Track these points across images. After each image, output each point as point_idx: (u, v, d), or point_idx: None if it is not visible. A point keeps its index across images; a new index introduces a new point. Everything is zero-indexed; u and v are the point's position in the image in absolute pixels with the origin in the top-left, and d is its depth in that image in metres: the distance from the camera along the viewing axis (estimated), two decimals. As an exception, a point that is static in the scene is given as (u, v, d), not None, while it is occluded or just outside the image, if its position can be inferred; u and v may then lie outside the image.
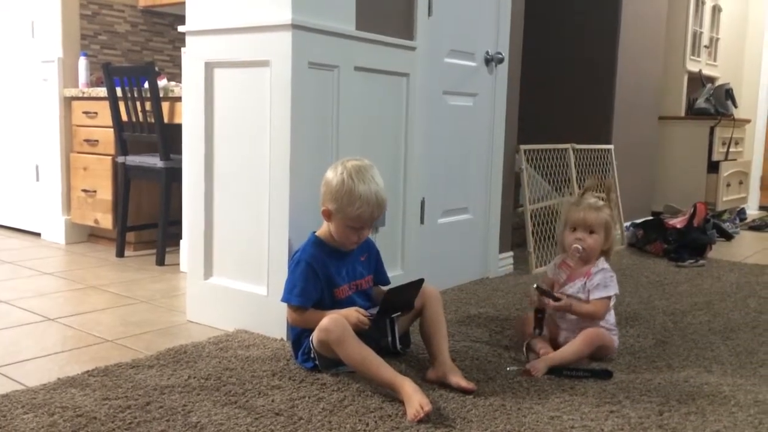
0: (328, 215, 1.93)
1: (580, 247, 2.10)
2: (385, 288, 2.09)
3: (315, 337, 1.85)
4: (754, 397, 1.83)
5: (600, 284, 2.08)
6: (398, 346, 1.99)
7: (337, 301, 1.95)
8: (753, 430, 1.63)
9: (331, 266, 1.95)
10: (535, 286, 2.04)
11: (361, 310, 1.85)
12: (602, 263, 2.13)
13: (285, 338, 2.18)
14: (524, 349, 2.07)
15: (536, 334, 2.06)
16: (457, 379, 1.79)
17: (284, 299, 1.95)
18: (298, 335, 1.97)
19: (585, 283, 2.08)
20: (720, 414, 1.71)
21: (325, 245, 1.97)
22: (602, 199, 2.17)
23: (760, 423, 1.66)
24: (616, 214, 2.20)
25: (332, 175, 1.92)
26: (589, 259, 2.13)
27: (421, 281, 1.96)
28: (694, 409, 1.74)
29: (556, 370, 1.95)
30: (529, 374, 1.92)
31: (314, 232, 2.01)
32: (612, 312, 2.14)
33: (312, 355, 1.89)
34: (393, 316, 1.95)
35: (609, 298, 2.09)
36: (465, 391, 1.77)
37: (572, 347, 2.00)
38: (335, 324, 1.79)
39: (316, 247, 1.96)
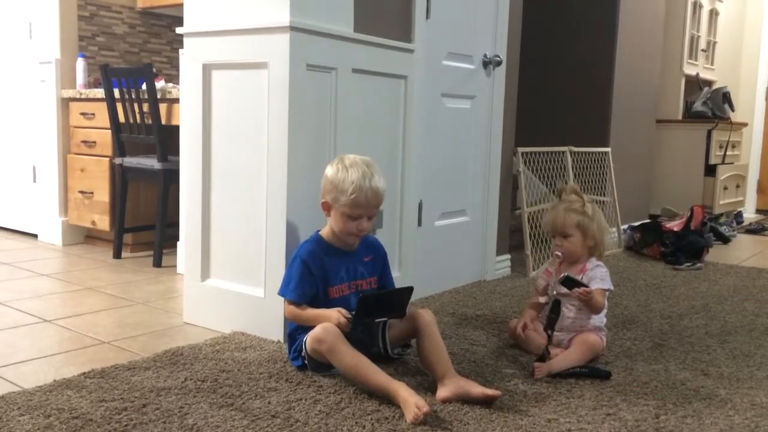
0: (327, 208, 1.96)
1: (559, 254, 2.14)
2: None
3: (308, 344, 1.86)
4: (750, 400, 1.83)
5: (598, 278, 2.09)
6: (390, 352, 1.98)
7: (331, 300, 1.95)
8: (749, 433, 1.63)
9: (329, 265, 1.96)
10: (565, 275, 2.00)
11: (343, 311, 1.84)
12: (596, 261, 2.15)
13: (282, 340, 2.18)
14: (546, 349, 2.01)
15: (549, 335, 2.02)
16: (481, 389, 1.73)
17: (280, 292, 1.99)
18: (294, 331, 1.98)
19: (581, 278, 2.08)
20: (716, 417, 1.71)
21: (325, 243, 1.99)
22: (579, 197, 2.17)
23: (757, 426, 1.66)
24: (596, 212, 2.17)
25: (329, 169, 1.97)
26: (573, 260, 2.15)
27: (410, 289, 1.91)
28: (691, 412, 1.74)
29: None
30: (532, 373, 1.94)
31: (319, 230, 2.03)
32: (604, 310, 2.14)
33: (303, 355, 1.90)
34: (379, 320, 1.92)
35: (606, 291, 2.10)
36: (491, 399, 1.72)
37: (570, 357, 2.00)
38: (327, 333, 1.79)
39: (315, 244, 1.98)
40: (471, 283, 3.14)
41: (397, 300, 1.90)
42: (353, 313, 1.83)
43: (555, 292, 2.08)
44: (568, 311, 2.09)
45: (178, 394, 1.74)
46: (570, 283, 1.99)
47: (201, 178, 2.38)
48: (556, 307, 2.03)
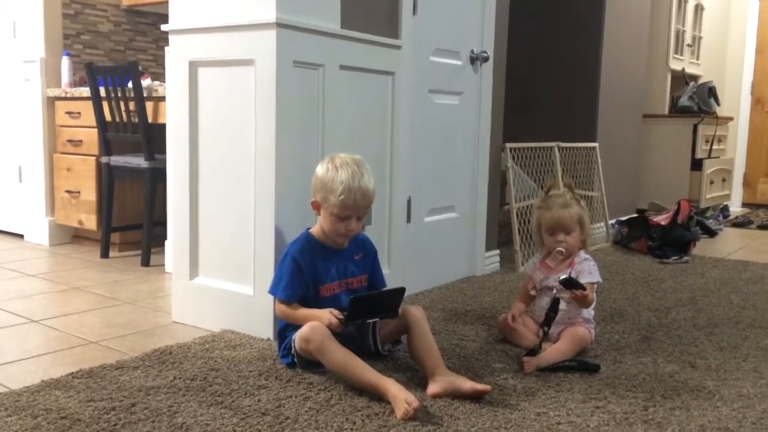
0: (317, 207, 1.96)
1: (563, 250, 2.15)
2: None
3: (296, 343, 1.86)
4: (737, 391, 1.85)
5: (586, 271, 2.13)
6: (381, 348, 1.98)
7: (321, 298, 1.95)
8: (737, 424, 1.64)
9: (319, 263, 1.96)
10: (561, 277, 2.00)
11: (335, 312, 1.83)
12: (583, 254, 2.20)
13: (271, 338, 2.17)
14: (539, 344, 2.02)
15: (545, 331, 2.02)
16: (471, 384, 1.73)
17: (270, 291, 1.99)
18: (283, 329, 1.98)
19: (570, 272, 2.09)
20: (704, 408, 1.72)
21: (315, 241, 1.98)
22: (570, 192, 2.23)
23: (744, 417, 1.68)
24: (586, 207, 2.28)
25: (319, 168, 1.96)
26: (570, 255, 2.19)
27: (402, 290, 1.90)
28: (679, 403, 1.75)
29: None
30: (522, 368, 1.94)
31: (309, 228, 2.02)
32: (593, 303, 2.16)
33: (292, 352, 1.90)
34: (370, 321, 1.92)
35: (595, 284, 2.14)
36: (481, 394, 1.72)
37: (559, 351, 2.01)
38: (315, 332, 1.78)
39: (305, 242, 1.98)
40: (460, 278, 3.15)
41: (388, 301, 1.89)
42: (345, 313, 1.83)
43: (554, 291, 2.08)
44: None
45: (167, 393, 1.73)
46: (571, 284, 1.99)
47: (188, 176, 2.37)
48: (555, 305, 2.03)
